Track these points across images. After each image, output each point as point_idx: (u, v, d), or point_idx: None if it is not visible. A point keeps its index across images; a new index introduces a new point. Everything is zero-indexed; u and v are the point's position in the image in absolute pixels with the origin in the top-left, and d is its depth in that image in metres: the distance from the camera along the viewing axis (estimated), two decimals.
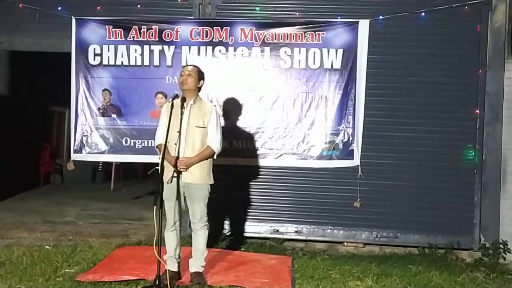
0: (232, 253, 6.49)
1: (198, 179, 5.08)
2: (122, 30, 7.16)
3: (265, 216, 7.20)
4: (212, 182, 5.22)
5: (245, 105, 7.11)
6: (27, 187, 11.89)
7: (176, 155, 5.00)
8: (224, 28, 7.09)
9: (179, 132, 4.98)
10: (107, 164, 15.21)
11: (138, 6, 7.26)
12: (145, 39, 7.14)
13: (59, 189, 13.36)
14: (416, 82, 7.05)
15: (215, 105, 5.62)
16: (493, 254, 6.80)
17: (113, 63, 7.21)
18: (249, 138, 7.12)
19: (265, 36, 7.08)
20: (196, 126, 5.08)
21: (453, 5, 6.89)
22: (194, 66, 5.33)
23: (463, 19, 7.00)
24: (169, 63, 7.14)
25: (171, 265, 5.13)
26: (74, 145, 7.32)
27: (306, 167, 7.11)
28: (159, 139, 5.12)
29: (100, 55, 7.21)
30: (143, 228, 7.96)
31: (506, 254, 6.83)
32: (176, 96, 5.12)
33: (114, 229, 7.95)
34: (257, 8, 7.22)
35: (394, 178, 7.04)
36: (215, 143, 5.15)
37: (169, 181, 5.02)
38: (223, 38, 7.10)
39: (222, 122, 5.76)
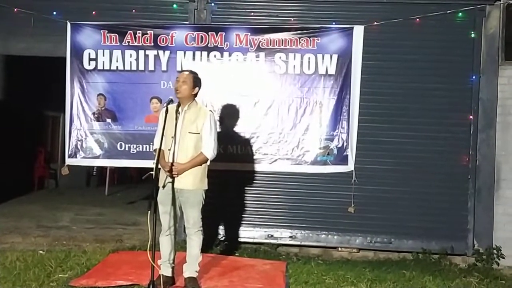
0: (226, 258, 6.48)
1: (191, 184, 5.06)
2: (117, 35, 7.16)
3: (260, 221, 7.21)
4: (206, 187, 5.19)
5: (240, 110, 7.12)
6: (21, 191, 11.85)
7: (171, 160, 4.99)
8: (219, 33, 7.10)
9: (174, 137, 4.98)
10: (102, 169, 15.18)
11: (133, 11, 7.26)
12: (140, 44, 7.14)
13: (53, 193, 13.31)
14: (410, 88, 7.08)
15: (211, 111, 5.49)
16: (486, 260, 6.83)
17: (108, 68, 7.21)
18: (243, 143, 7.12)
19: (260, 41, 7.09)
20: (189, 132, 5.05)
21: (447, 12, 6.93)
22: (190, 72, 5.25)
23: (457, 25, 7.04)
24: (164, 68, 7.15)
25: (165, 270, 5.13)
26: (68, 150, 7.31)
27: (300, 172, 7.11)
28: (156, 143, 5.10)
29: (95, 59, 7.21)
30: (137, 233, 7.95)
31: (499, 259, 6.87)
32: (171, 101, 5.10)
33: (108, 234, 7.93)
34: (252, 14, 7.23)
35: (388, 184, 7.05)
36: (208, 149, 5.10)
37: (164, 186, 5.01)
38: (218, 44, 7.11)
39: (218, 128, 5.73)
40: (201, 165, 5.11)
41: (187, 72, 5.25)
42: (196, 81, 5.18)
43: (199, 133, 5.08)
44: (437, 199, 7.01)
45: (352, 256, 7.15)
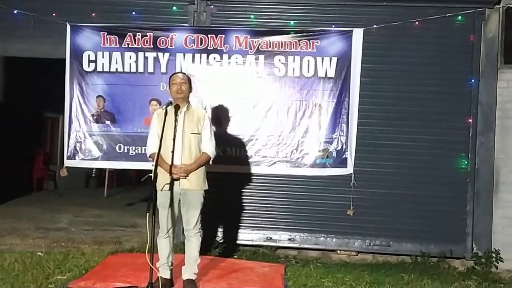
0: (225, 261, 6.47)
1: (195, 185, 5.08)
2: (116, 37, 7.17)
3: (258, 224, 7.21)
4: (207, 187, 5.21)
5: (239, 113, 7.12)
6: (20, 193, 11.84)
7: (174, 162, 4.97)
8: (219, 35, 7.11)
9: (174, 139, 4.97)
10: (101, 171, 15.18)
11: (133, 13, 7.28)
12: (140, 46, 7.15)
13: (52, 195, 13.30)
14: (409, 91, 7.08)
15: (206, 111, 5.57)
16: (485, 263, 6.84)
17: (107, 70, 7.21)
18: (242, 145, 7.12)
19: (259, 44, 7.10)
20: (191, 133, 5.08)
21: (447, 15, 6.94)
22: (184, 73, 5.37)
23: (456, 28, 7.06)
24: (163, 70, 7.14)
25: (164, 273, 5.12)
26: (67, 151, 7.31)
27: (299, 175, 7.11)
28: (152, 148, 5.06)
29: (95, 61, 7.22)
30: (136, 235, 7.94)
31: (498, 263, 6.87)
32: (170, 103, 5.11)
33: (107, 236, 7.92)
34: (252, 16, 7.25)
35: (387, 187, 7.06)
36: (211, 148, 5.16)
37: (167, 189, 4.99)
38: (217, 46, 7.12)
39: (214, 128, 5.76)
40: (204, 165, 5.16)
41: (181, 74, 5.33)
42: (191, 82, 5.29)
43: (200, 134, 5.13)
44: (436, 202, 7.00)
45: (350, 259, 7.15)
